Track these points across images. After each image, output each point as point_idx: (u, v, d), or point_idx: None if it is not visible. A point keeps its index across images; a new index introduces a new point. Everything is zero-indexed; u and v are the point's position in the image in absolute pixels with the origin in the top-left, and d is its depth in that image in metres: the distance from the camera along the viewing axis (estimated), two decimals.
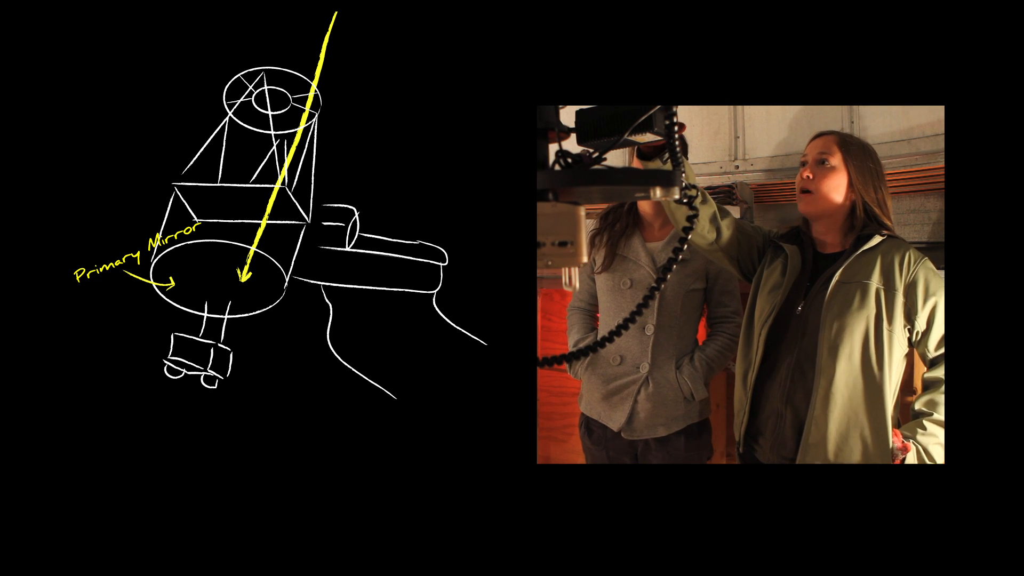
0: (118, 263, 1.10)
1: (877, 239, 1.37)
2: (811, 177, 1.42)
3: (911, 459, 1.32)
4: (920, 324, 1.35)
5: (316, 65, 1.12)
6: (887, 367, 1.34)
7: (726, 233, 1.47)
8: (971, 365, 1.07)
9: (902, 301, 1.35)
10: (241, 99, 1.12)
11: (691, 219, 0.91)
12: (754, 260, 1.53)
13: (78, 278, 1.09)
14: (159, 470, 1.08)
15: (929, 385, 1.39)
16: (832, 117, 1.98)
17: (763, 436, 1.44)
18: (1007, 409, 1.05)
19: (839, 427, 1.33)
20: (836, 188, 1.41)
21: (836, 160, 1.40)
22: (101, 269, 1.09)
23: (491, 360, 1.11)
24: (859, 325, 1.34)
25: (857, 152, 1.41)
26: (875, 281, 1.35)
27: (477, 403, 1.11)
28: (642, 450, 1.72)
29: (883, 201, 1.42)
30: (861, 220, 1.41)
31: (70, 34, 1.09)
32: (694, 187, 0.81)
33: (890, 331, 1.34)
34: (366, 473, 1.10)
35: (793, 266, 1.43)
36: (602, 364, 1.72)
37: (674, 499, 1.12)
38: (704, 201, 1.44)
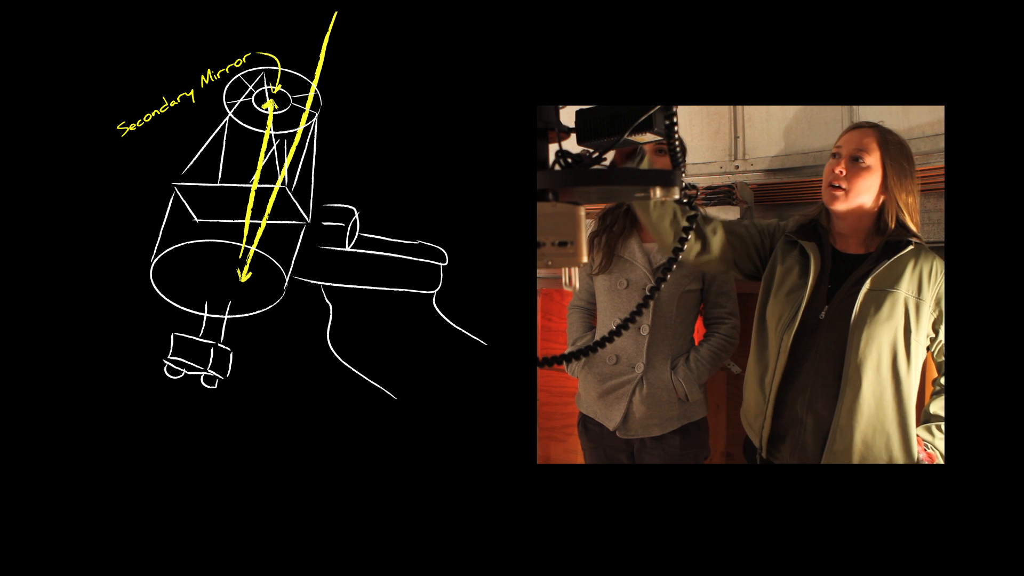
0: (119, 264, 1.10)
1: (909, 247, 1.31)
2: (843, 173, 1.32)
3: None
4: (943, 334, 1.33)
5: (316, 65, 1.12)
6: (913, 376, 1.31)
7: (715, 242, 1.39)
8: (971, 365, 1.07)
9: (929, 312, 1.31)
10: (241, 99, 1.12)
11: (691, 219, 0.91)
12: (754, 260, 1.47)
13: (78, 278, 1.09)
14: (159, 470, 1.08)
15: (944, 388, 1.38)
16: (832, 117, 1.98)
17: (784, 443, 1.39)
18: (1007, 409, 1.05)
19: (864, 436, 1.30)
20: (869, 188, 1.33)
21: (873, 159, 1.32)
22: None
23: (491, 360, 1.11)
24: (887, 336, 1.29)
25: (896, 151, 1.33)
26: (903, 290, 1.30)
27: (477, 403, 1.11)
28: (638, 448, 1.72)
29: (913, 204, 1.34)
30: (889, 222, 1.33)
31: (71, 34, 1.09)
32: (693, 187, 0.81)
33: (916, 341, 1.31)
34: (366, 473, 1.10)
35: (815, 268, 1.35)
36: (598, 363, 1.73)
37: (673, 499, 1.12)
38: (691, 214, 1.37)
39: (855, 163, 1.32)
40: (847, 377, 1.30)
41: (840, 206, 1.34)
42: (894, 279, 1.31)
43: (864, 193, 1.33)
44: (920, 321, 1.31)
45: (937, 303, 1.32)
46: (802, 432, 1.36)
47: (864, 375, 1.29)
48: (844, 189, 1.32)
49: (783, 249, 1.43)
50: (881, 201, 1.34)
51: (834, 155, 1.36)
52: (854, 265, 1.35)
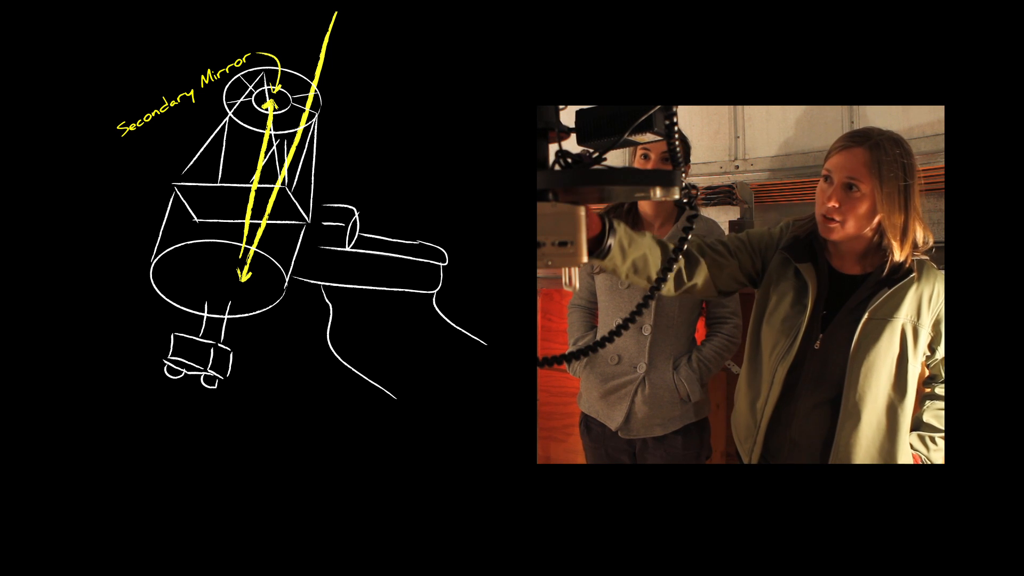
0: (119, 265, 1.10)
1: (910, 275, 1.26)
2: (837, 206, 1.24)
3: None
4: (941, 352, 1.33)
5: (316, 65, 1.12)
6: (909, 399, 1.30)
7: (699, 280, 1.29)
8: (971, 365, 1.07)
9: (926, 335, 1.29)
10: (241, 99, 1.12)
11: (691, 219, 0.91)
12: (740, 282, 1.38)
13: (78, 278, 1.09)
14: (159, 470, 1.08)
15: (937, 398, 1.37)
16: (832, 117, 1.98)
17: (776, 463, 1.38)
18: (1007, 410, 1.05)
19: (863, 461, 1.29)
20: (865, 215, 1.25)
21: (866, 187, 1.23)
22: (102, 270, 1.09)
23: (491, 360, 1.11)
24: (886, 365, 1.27)
25: (890, 174, 1.22)
26: (902, 316, 1.26)
27: (477, 403, 1.11)
28: (640, 449, 1.72)
29: (915, 217, 1.26)
30: (887, 241, 1.26)
31: (71, 34, 1.09)
32: (694, 187, 0.81)
33: (913, 365, 1.29)
34: (366, 473, 1.10)
35: (813, 296, 1.29)
36: (600, 363, 1.73)
37: (674, 499, 1.12)
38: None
39: (849, 192, 1.24)
40: (847, 410, 1.27)
41: (837, 237, 1.27)
42: (893, 307, 1.26)
43: (861, 220, 1.25)
44: (918, 346, 1.28)
45: (935, 325, 1.29)
46: (796, 453, 1.34)
47: (864, 408, 1.27)
48: (839, 221, 1.25)
49: (778, 269, 1.36)
50: (879, 220, 1.26)
51: (825, 178, 1.28)
52: (851, 288, 1.29)
